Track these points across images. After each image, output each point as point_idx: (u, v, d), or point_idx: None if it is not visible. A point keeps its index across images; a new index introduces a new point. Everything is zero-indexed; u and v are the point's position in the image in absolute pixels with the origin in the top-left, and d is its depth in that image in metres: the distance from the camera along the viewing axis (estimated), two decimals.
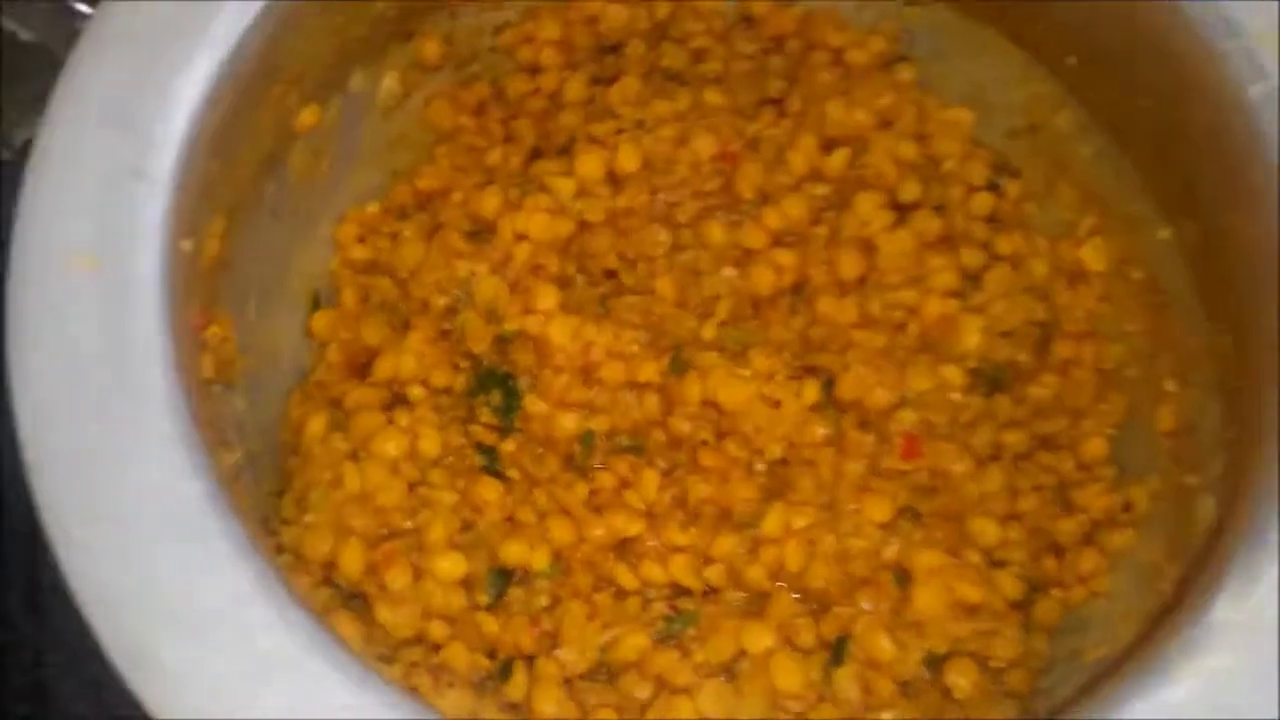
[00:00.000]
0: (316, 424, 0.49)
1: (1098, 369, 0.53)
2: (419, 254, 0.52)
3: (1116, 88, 0.49)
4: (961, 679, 0.46)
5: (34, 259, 0.37)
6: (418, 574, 0.46)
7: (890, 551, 0.47)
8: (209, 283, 0.43)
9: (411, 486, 0.48)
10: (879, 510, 0.47)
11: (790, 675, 0.45)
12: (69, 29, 0.69)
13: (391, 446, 0.48)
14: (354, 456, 0.48)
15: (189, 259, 0.39)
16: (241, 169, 0.45)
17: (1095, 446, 0.52)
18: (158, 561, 0.33)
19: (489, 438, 0.49)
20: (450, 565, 0.46)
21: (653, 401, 0.49)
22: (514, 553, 0.47)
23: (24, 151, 0.79)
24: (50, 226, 0.37)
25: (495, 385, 0.50)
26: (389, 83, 0.53)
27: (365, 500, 0.47)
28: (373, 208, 0.54)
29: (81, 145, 0.38)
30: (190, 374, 0.37)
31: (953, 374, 0.50)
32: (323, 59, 0.48)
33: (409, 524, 0.47)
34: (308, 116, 0.49)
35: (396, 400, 0.50)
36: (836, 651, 0.46)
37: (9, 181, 0.62)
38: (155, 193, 0.37)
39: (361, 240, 0.54)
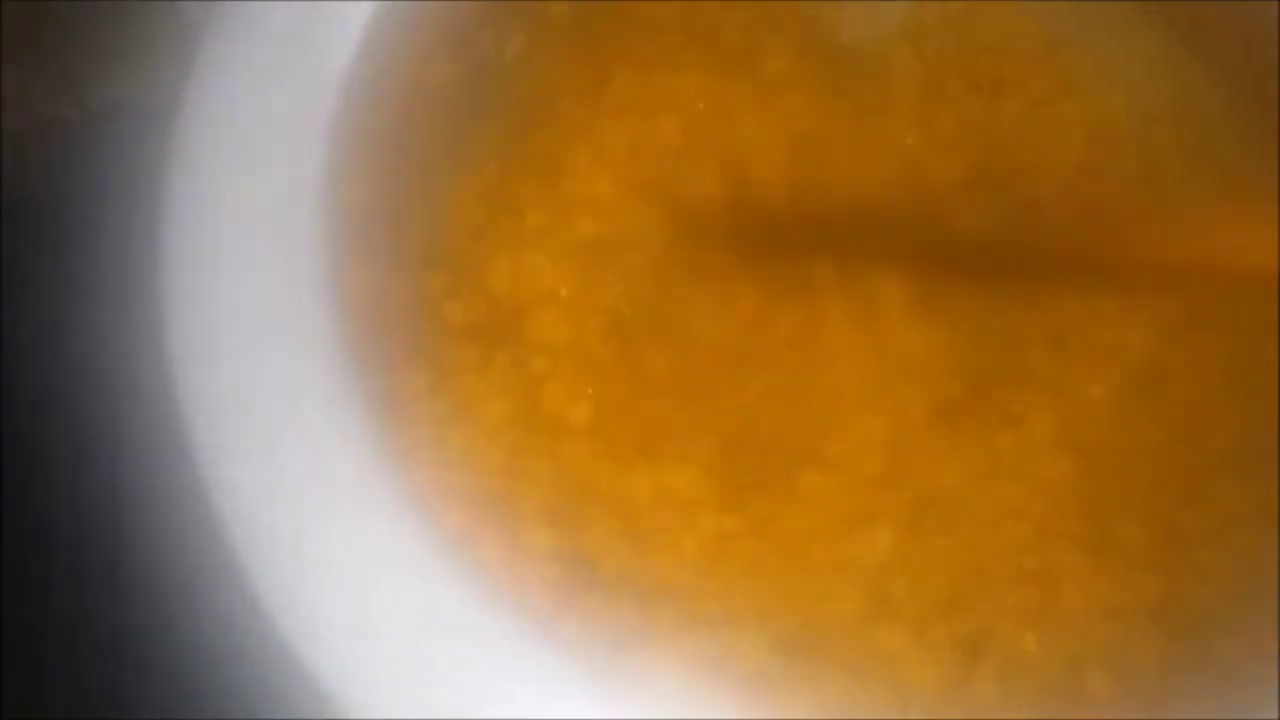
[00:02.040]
0: (417, 382, 0.47)
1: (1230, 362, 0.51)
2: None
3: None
4: (1099, 679, 0.45)
5: (191, 202, 0.36)
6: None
7: (1032, 560, 0.46)
8: (352, 235, 0.42)
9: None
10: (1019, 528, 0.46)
11: (924, 673, 0.44)
12: None
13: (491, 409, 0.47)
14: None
15: (344, 207, 0.38)
16: (382, 120, 0.44)
17: (1226, 441, 0.51)
18: (320, 510, 0.32)
19: None
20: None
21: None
22: None
23: (101, 112, 0.79)
24: (208, 169, 0.36)
25: None
26: (516, 43, 0.52)
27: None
28: (493, 168, 0.53)
29: (240, 86, 0.37)
30: (352, 313, 0.36)
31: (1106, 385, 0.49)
32: (460, 12, 0.47)
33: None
34: (440, 71, 0.48)
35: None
36: (974, 648, 0.44)
37: (87, 142, 0.62)
38: (318, 138, 0.36)
39: (479, 202, 0.53)
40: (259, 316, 0.34)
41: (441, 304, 0.49)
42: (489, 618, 0.32)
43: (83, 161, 0.62)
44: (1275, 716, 0.38)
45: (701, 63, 0.54)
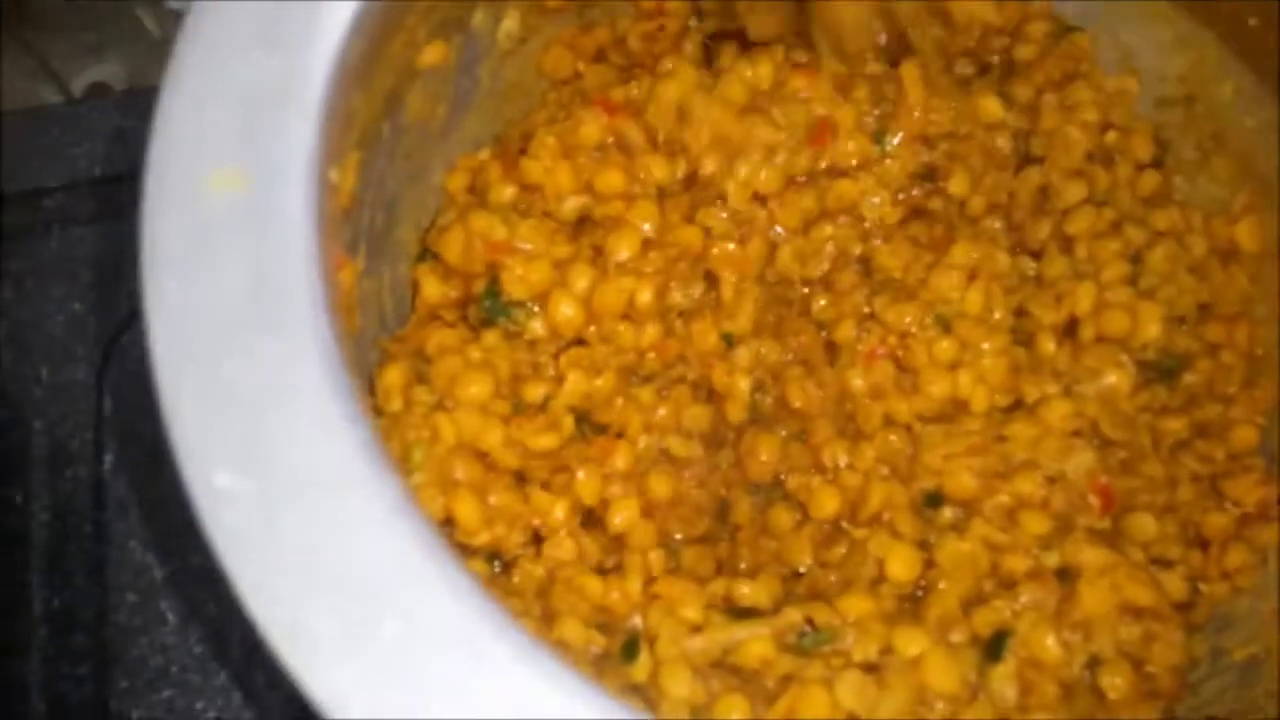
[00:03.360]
0: (394, 375, 0.45)
1: (1249, 354, 0.50)
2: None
3: None
4: (1119, 679, 0.43)
5: (174, 176, 0.34)
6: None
7: (1051, 558, 0.44)
8: (340, 222, 0.40)
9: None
10: (1037, 524, 0.45)
11: (944, 674, 0.41)
12: None
13: (476, 389, 0.45)
14: (441, 407, 0.45)
15: (333, 191, 0.36)
16: (372, 103, 0.42)
17: (1245, 436, 0.49)
18: (310, 517, 0.30)
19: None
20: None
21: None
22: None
23: (86, 95, 0.76)
24: (191, 148, 0.34)
25: None
26: (509, 24, 0.50)
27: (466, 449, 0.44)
28: (484, 155, 0.51)
29: (226, 64, 0.35)
30: (338, 309, 0.34)
31: (1123, 375, 0.47)
32: None
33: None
34: (432, 53, 0.46)
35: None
36: (993, 648, 0.43)
37: (70, 123, 0.61)
38: (305, 116, 0.34)
39: (471, 190, 0.51)
40: (243, 309, 0.32)
41: (429, 290, 0.47)
42: (479, 621, 0.30)
43: (66, 145, 0.60)
44: (1275, 716, 0.37)
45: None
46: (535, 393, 0.45)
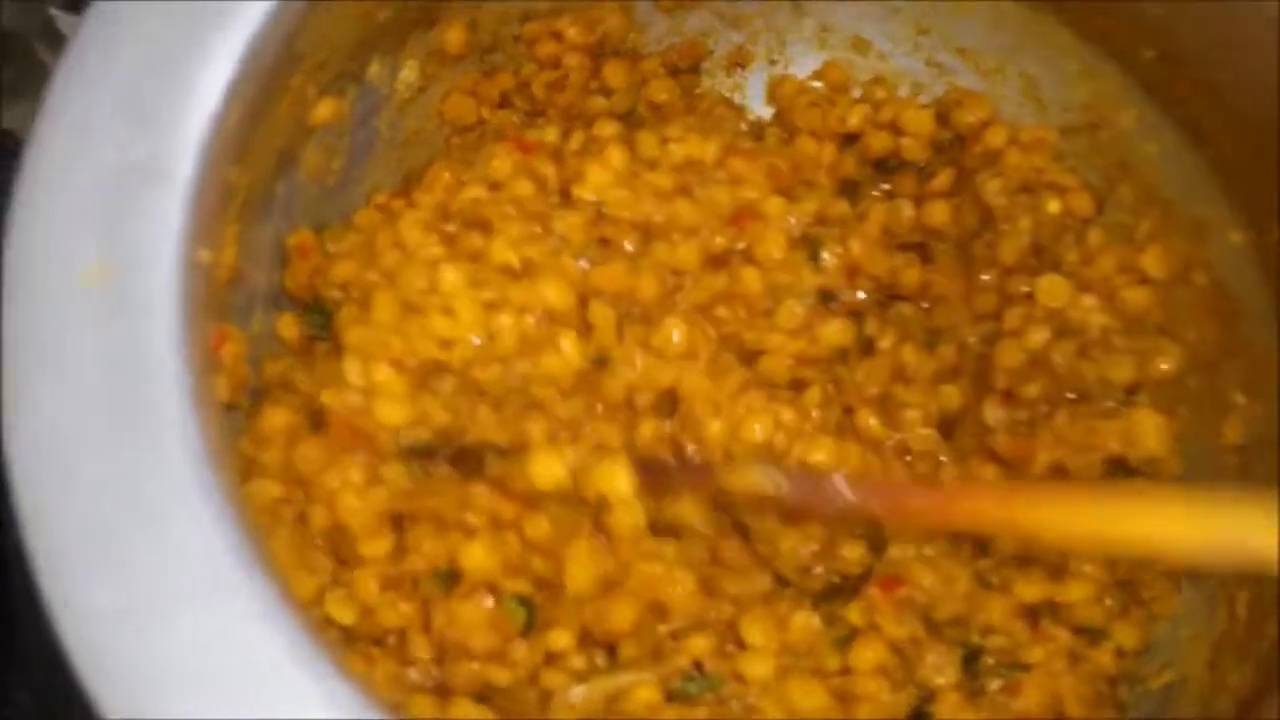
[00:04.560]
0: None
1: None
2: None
3: (1196, 84, 0.46)
4: None
5: (32, 271, 0.32)
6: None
7: None
8: (223, 296, 0.39)
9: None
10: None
11: None
12: (42, 17, 0.66)
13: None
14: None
15: (206, 271, 0.35)
16: (256, 169, 0.40)
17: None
18: (181, 629, 0.29)
19: None
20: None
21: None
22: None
23: None
24: (52, 234, 0.32)
25: None
26: (407, 73, 0.49)
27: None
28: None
29: (88, 141, 0.33)
30: (207, 401, 0.33)
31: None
32: (344, 46, 0.43)
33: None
34: (324, 110, 0.45)
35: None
36: None
37: None
38: (173, 195, 0.33)
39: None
40: (102, 411, 0.30)
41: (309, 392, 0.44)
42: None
43: None
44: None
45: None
46: None
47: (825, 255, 0.49)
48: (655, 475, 0.43)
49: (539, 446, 0.42)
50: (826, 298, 0.49)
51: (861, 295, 0.50)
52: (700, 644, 0.43)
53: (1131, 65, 0.48)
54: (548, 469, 0.41)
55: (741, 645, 0.44)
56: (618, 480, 0.41)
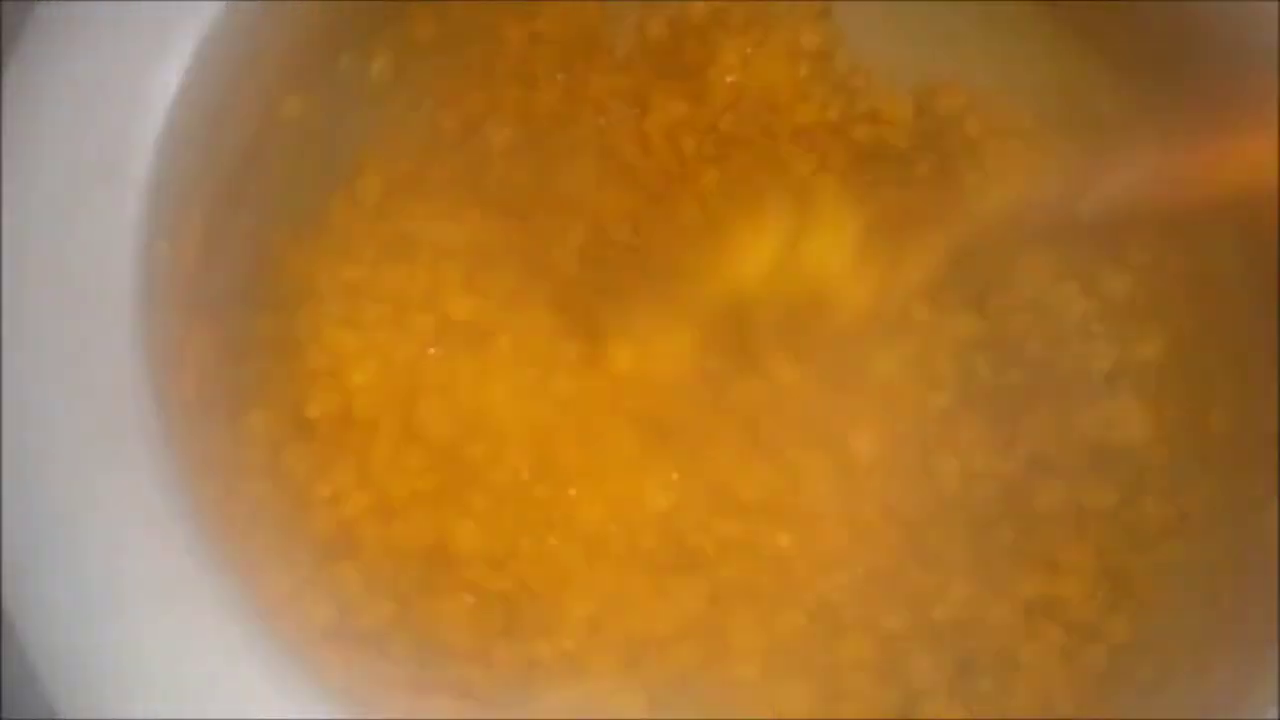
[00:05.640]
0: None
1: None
2: None
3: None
4: None
5: None
6: None
7: None
8: (190, 293, 0.38)
9: None
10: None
11: None
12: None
13: None
14: None
15: (168, 266, 0.35)
16: (222, 165, 0.40)
17: None
18: (140, 629, 0.29)
19: None
20: None
21: None
22: None
23: None
24: (4, 237, 0.32)
25: None
26: (379, 66, 0.49)
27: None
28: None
29: (39, 146, 0.33)
30: (172, 398, 0.33)
31: None
32: (310, 41, 0.43)
33: None
34: (292, 105, 0.45)
35: None
36: None
37: None
38: (128, 196, 0.33)
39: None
40: (61, 410, 0.30)
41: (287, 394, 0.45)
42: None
43: None
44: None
45: None
46: None
47: None
48: None
49: None
50: None
51: None
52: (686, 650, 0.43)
53: (1110, 53, 0.47)
54: None
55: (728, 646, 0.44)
56: None
